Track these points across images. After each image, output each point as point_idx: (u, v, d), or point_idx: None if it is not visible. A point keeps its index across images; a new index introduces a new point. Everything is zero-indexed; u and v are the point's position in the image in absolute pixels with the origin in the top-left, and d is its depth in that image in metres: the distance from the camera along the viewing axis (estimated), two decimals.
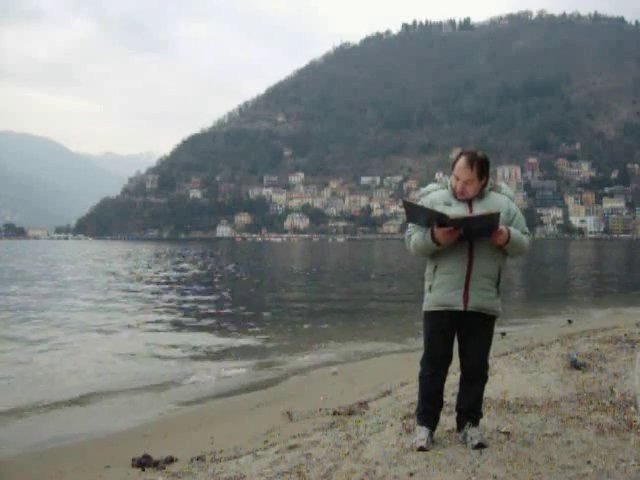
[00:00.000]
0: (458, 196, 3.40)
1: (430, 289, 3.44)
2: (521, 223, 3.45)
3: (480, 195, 3.41)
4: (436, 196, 3.46)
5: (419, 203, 3.49)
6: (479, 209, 3.34)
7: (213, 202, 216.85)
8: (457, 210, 3.33)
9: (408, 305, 15.03)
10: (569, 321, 11.07)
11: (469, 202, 3.39)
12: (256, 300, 17.96)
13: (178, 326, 12.47)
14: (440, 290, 3.39)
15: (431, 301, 3.43)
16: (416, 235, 3.41)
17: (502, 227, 3.27)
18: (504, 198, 3.46)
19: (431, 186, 3.58)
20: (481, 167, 3.34)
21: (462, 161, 3.35)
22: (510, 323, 11.29)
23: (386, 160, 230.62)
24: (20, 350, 9.67)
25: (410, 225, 3.50)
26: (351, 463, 3.31)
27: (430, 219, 3.28)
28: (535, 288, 22.43)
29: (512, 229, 3.34)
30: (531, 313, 13.65)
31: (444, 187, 3.51)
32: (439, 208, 3.34)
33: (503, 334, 9.39)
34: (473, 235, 3.28)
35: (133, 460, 4.41)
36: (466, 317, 3.38)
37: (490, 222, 3.22)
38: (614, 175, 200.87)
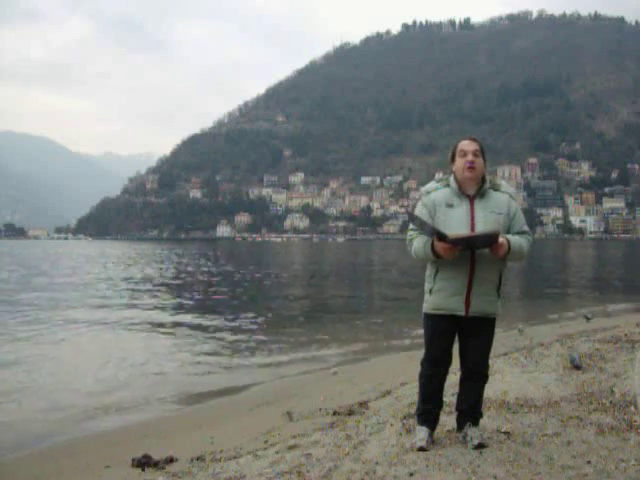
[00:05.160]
0: (468, 173, 3.35)
1: (430, 292, 3.43)
2: (521, 221, 3.43)
3: (481, 194, 3.39)
4: (438, 196, 3.42)
5: (420, 203, 3.47)
6: (481, 209, 3.34)
7: (213, 202, 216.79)
8: (459, 211, 3.34)
9: (408, 305, 15.04)
10: (587, 318, 10.83)
11: (471, 201, 3.37)
12: (255, 300, 17.96)
13: (176, 326, 12.46)
14: (440, 294, 3.38)
15: (431, 304, 3.42)
16: (417, 242, 3.37)
17: (502, 239, 3.23)
18: (504, 197, 3.43)
19: (431, 185, 3.53)
20: (480, 146, 3.42)
21: (463, 141, 3.43)
22: (526, 322, 11.26)
23: (386, 160, 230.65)
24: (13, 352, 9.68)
25: (411, 226, 3.47)
26: (351, 463, 3.31)
27: (432, 232, 3.29)
28: (540, 287, 22.40)
29: (511, 238, 3.30)
30: (542, 312, 13.63)
31: (446, 185, 3.47)
32: (441, 210, 3.35)
33: (521, 330, 9.42)
34: (473, 249, 3.29)
35: (133, 460, 4.41)
36: (467, 320, 3.37)
37: (489, 240, 3.22)
38: (614, 175, 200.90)
